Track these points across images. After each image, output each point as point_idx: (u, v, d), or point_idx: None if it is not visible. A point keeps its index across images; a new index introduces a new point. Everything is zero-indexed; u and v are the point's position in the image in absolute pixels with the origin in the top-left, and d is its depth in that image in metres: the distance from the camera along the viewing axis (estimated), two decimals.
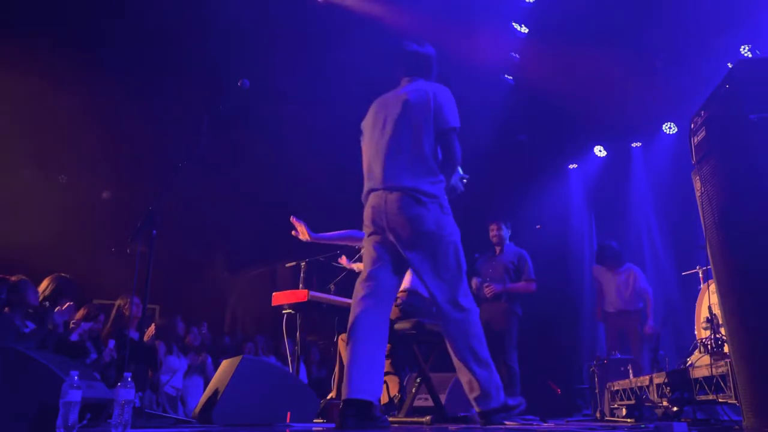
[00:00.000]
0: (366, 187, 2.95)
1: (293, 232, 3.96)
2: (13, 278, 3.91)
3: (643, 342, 5.92)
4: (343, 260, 4.56)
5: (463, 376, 2.75)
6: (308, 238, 3.93)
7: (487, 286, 5.28)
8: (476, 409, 2.75)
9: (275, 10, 6.15)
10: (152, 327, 4.90)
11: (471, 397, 2.74)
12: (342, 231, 4.01)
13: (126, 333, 4.70)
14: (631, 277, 6.06)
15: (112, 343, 4.44)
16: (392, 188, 2.78)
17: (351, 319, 2.74)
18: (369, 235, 2.90)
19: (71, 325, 4.26)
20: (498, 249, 5.57)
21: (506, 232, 5.59)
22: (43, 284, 4.27)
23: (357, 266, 4.57)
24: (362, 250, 3.01)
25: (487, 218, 5.80)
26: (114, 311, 4.87)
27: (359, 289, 2.80)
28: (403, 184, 2.76)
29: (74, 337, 4.29)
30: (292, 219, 3.97)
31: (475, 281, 5.42)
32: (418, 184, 2.76)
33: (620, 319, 6.04)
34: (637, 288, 5.98)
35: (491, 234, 5.59)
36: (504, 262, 5.46)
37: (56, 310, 4.14)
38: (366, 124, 3.10)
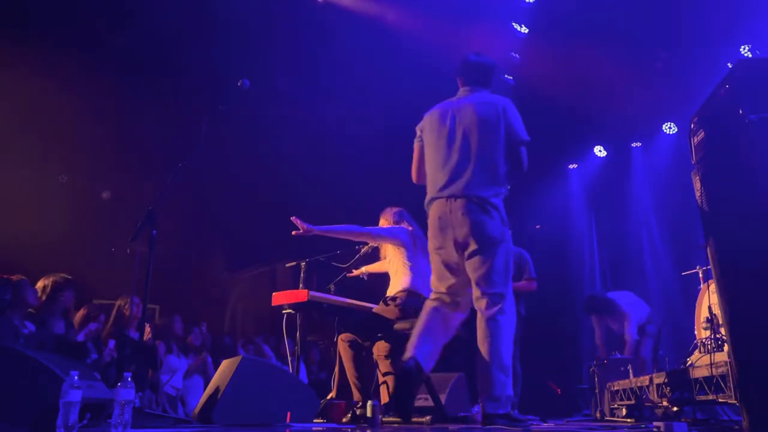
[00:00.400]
0: (430, 194, 3.06)
1: (294, 232, 3.95)
2: (13, 278, 3.91)
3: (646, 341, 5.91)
4: (355, 273, 4.62)
5: (483, 376, 2.83)
6: (312, 231, 3.93)
7: None
8: (482, 409, 2.84)
9: (275, 10, 6.15)
10: (147, 327, 4.89)
11: (482, 396, 2.84)
12: (341, 225, 4.02)
13: (126, 333, 4.70)
14: (623, 322, 5.95)
15: (112, 343, 4.44)
16: (457, 196, 2.92)
17: (420, 315, 3.00)
18: (436, 249, 3.03)
19: (75, 327, 4.26)
20: None
21: None
22: (42, 283, 4.26)
23: (367, 268, 4.61)
24: (431, 263, 3.14)
25: None
26: (114, 311, 4.87)
27: (432, 297, 3.05)
28: (469, 193, 2.90)
29: (80, 338, 4.30)
30: (293, 219, 3.97)
31: None
32: (483, 193, 2.90)
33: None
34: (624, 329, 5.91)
35: None
36: None
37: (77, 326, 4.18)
38: (428, 131, 3.17)
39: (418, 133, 3.28)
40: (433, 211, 3.02)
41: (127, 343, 4.55)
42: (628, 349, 5.69)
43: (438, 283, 3.04)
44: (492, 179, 2.93)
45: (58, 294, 4.25)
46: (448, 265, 3.00)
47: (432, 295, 3.06)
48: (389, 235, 4.11)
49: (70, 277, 4.36)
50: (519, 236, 5.90)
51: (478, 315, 2.90)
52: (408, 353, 2.79)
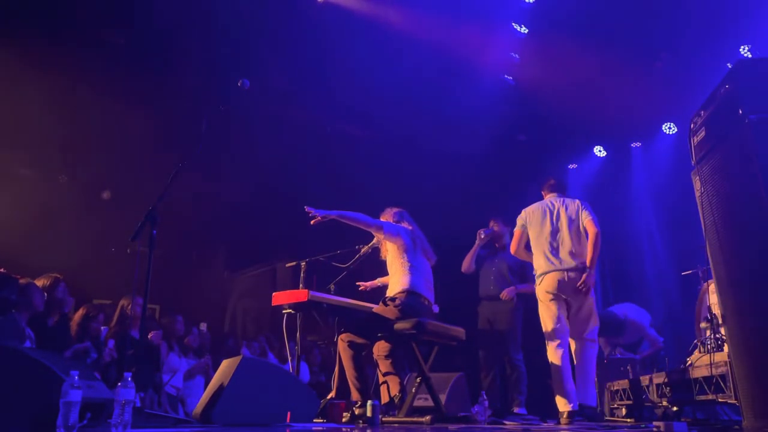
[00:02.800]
0: (545, 268, 4.36)
1: (312, 221, 3.95)
2: (21, 280, 3.90)
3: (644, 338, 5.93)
4: (365, 285, 4.70)
5: (583, 382, 4.17)
6: (328, 217, 3.91)
7: (500, 289, 5.39)
8: (580, 403, 4.13)
9: (276, 10, 6.15)
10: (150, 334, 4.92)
11: (581, 394, 4.13)
12: (352, 212, 4.04)
13: (130, 333, 4.70)
14: (642, 334, 5.95)
15: (111, 343, 4.44)
16: (571, 269, 4.27)
17: (556, 352, 4.22)
18: (550, 300, 4.33)
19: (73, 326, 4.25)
20: (499, 246, 5.57)
21: (504, 229, 5.58)
22: (39, 284, 4.25)
23: (382, 280, 4.64)
24: (540, 308, 4.40)
25: (487, 218, 5.81)
26: (118, 311, 4.87)
27: (554, 335, 4.27)
28: (577, 264, 4.27)
29: (107, 358, 4.31)
30: (307, 209, 3.95)
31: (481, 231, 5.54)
32: (583, 261, 4.28)
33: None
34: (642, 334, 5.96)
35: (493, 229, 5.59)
36: (507, 260, 5.47)
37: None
38: (533, 224, 4.51)
39: (520, 222, 4.60)
40: (550, 279, 4.31)
41: (128, 343, 4.56)
42: (653, 350, 5.85)
43: (554, 323, 4.28)
44: (584, 252, 4.31)
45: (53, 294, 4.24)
46: (559, 312, 4.28)
47: (554, 339, 4.28)
48: (393, 232, 4.11)
49: (60, 276, 4.35)
50: None
51: (579, 346, 4.28)
52: (568, 405, 4.14)
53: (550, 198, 4.64)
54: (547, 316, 4.33)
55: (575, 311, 4.28)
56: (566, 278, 4.25)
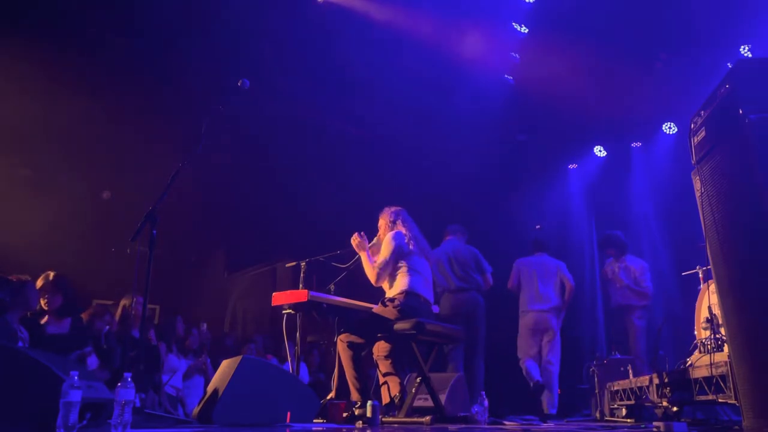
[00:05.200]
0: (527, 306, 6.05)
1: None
2: (14, 278, 3.88)
3: (641, 338, 5.93)
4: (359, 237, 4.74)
5: (548, 383, 5.70)
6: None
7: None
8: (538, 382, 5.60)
9: (276, 10, 6.15)
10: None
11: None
12: (366, 268, 4.19)
13: (130, 333, 4.70)
14: (634, 271, 6.07)
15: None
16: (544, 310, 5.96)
17: (525, 365, 5.87)
18: (529, 338, 5.95)
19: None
20: None
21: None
22: (37, 284, 4.23)
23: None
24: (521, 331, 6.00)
25: (486, 217, 5.83)
26: (119, 311, 4.86)
27: (526, 357, 5.94)
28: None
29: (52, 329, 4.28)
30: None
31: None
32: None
33: (621, 314, 6.06)
34: (639, 279, 6.01)
35: None
36: None
37: None
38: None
39: None
40: (532, 317, 5.95)
41: (128, 342, 4.55)
42: (641, 298, 6.00)
43: (529, 351, 5.93)
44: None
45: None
46: (537, 340, 5.94)
47: (526, 358, 5.90)
48: (390, 258, 4.09)
49: (52, 275, 4.32)
50: (519, 236, 5.94)
51: (545, 366, 5.82)
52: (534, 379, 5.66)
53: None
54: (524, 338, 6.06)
55: (545, 342, 5.95)
56: (543, 319, 5.96)
